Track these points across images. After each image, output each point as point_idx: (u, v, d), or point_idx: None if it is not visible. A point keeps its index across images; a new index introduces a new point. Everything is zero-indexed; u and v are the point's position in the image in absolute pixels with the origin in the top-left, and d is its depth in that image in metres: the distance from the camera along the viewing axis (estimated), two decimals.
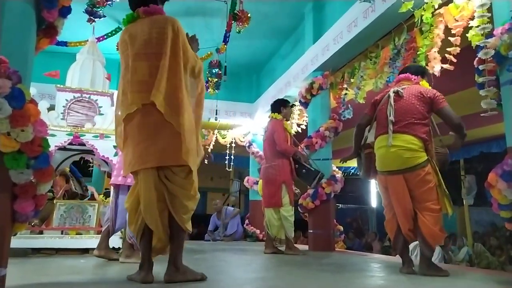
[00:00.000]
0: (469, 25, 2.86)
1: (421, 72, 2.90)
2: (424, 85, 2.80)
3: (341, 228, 5.37)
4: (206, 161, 2.40)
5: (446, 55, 3.13)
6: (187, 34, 2.25)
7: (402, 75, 2.89)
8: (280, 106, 4.37)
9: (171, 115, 1.99)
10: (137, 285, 2.00)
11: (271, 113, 4.40)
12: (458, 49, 3.09)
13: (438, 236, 2.51)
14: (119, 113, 2.13)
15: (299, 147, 4.59)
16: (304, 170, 4.15)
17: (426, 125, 2.63)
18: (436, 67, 3.19)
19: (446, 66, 3.15)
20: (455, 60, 3.10)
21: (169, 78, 2.03)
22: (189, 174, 2.06)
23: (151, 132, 2.01)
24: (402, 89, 2.73)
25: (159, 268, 2.13)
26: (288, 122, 4.66)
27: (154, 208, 1.99)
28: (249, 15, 4.64)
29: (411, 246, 5.48)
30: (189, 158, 2.01)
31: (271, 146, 4.17)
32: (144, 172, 2.02)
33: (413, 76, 2.83)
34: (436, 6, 3.19)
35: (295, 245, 4.34)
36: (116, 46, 2.21)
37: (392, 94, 2.73)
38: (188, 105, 2.09)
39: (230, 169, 7.88)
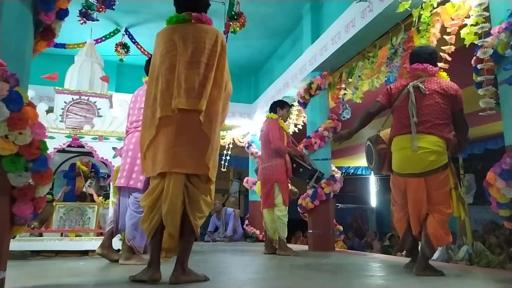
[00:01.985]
0: (464, 23, 2.87)
1: (436, 58, 2.73)
2: (442, 76, 2.70)
3: (341, 228, 5.38)
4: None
5: (441, 54, 3.14)
6: None
7: (419, 66, 2.66)
8: (276, 107, 4.38)
9: (207, 126, 2.08)
10: (136, 287, 2.00)
11: (268, 113, 4.41)
12: (453, 48, 3.09)
13: (442, 239, 2.49)
14: (157, 110, 2.13)
15: (298, 146, 4.58)
16: (301, 169, 4.14)
17: (450, 124, 2.55)
18: None
19: (441, 64, 3.16)
20: (449, 59, 3.11)
21: (211, 90, 2.12)
22: (210, 181, 2.14)
23: (189, 139, 2.07)
24: (421, 82, 2.58)
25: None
26: (286, 122, 4.64)
27: (178, 210, 2.05)
28: (244, 18, 4.71)
29: None
30: (212, 169, 2.10)
31: (266, 147, 4.18)
32: (175, 176, 2.06)
33: (431, 67, 2.65)
34: (435, 5, 3.19)
35: (295, 245, 4.33)
36: (155, 37, 2.22)
37: (412, 90, 2.57)
38: (220, 118, 2.18)
39: (224, 169, 7.83)
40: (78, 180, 5.02)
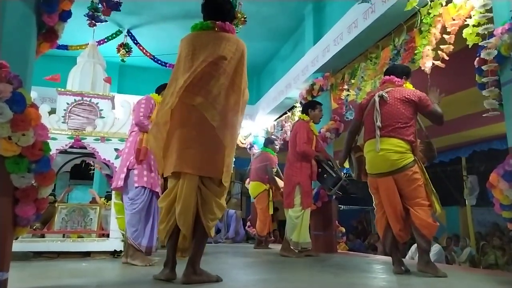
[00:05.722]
0: (466, 23, 2.86)
1: (406, 73, 2.95)
2: (408, 87, 2.86)
3: (343, 229, 5.36)
4: None
5: (439, 52, 3.14)
6: None
7: (386, 77, 2.92)
8: (308, 108, 4.29)
9: (221, 129, 2.12)
10: (139, 287, 2.00)
11: (301, 113, 4.36)
12: (451, 47, 3.09)
13: (431, 227, 2.57)
14: (169, 104, 2.17)
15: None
16: (325, 175, 4.07)
17: (412, 127, 2.71)
18: (427, 63, 3.21)
19: (437, 63, 3.16)
20: (447, 58, 3.11)
21: (227, 95, 2.15)
22: (222, 184, 2.17)
23: (201, 141, 2.11)
24: (386, 92, 2.78)
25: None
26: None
27: (190, 211, 2.08)
28: (244, 17, 4.73)
29: (412, 248, 5.47)
30: (226, 173, 2.12)
31: (293, 148, 4.13)
32: (189, 177, 2.11)
33: (397, 78, 2.86)
34: (444, 3, 3.19)
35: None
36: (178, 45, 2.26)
37: (377, 99, 2.78)
38: (236, 122, 2.22)
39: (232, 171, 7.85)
40: None
